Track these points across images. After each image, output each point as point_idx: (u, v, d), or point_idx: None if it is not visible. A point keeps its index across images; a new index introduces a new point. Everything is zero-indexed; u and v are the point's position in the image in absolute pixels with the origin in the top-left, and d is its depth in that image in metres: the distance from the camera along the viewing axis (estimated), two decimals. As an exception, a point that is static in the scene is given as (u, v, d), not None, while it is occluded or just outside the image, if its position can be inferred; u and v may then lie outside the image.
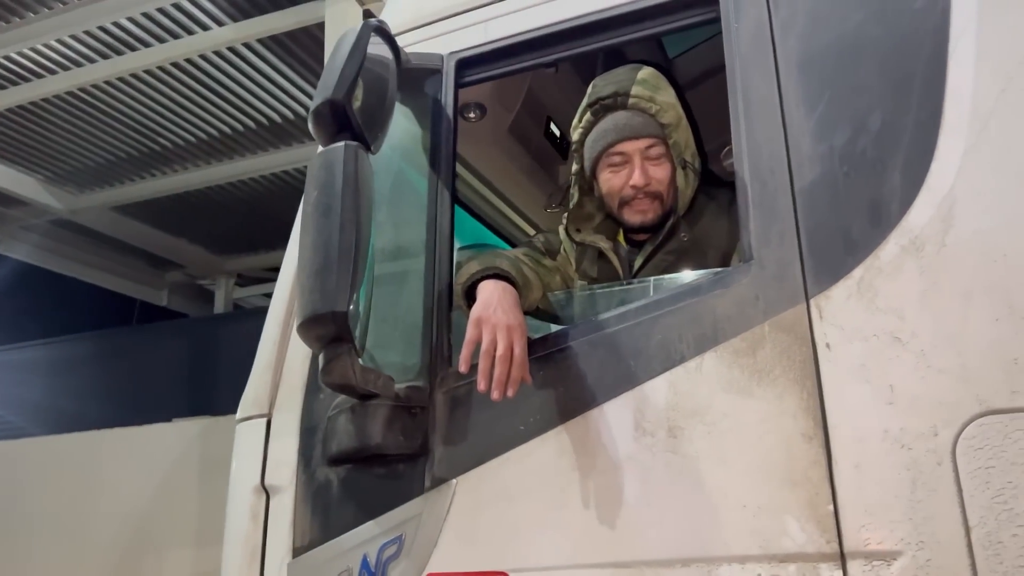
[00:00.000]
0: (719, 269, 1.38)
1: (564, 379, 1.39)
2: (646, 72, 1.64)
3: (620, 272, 1.66)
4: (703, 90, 2.30)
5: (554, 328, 1.56)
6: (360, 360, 1.37)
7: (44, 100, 5.13)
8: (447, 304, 1.52)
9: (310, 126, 1.44)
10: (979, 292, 1.17)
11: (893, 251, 1.23)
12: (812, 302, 1.26)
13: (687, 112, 1.66)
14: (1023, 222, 1.17)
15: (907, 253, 1.22)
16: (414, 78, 1.73)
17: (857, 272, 1.24)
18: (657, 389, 1.32)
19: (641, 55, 2.32)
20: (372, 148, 1.48)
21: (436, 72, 1.72)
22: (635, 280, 1.60)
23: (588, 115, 1.64)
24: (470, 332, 1.33)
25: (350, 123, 1.40)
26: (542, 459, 1.36)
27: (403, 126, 1.73)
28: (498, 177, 2.47)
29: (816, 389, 1.22)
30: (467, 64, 1.71)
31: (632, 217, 1.64)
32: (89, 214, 6.49)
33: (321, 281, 1.28)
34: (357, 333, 1.38)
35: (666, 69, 1.72)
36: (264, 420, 1.64)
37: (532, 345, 1.42)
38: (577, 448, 1.35)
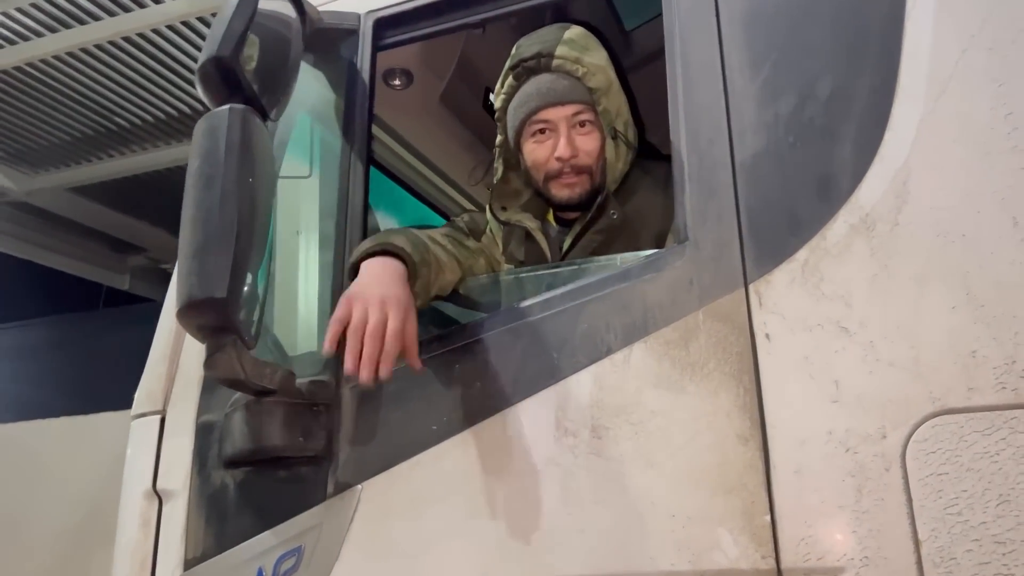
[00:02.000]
0: (652, 251, 1.24)
1: (481, 373, 1.25)
2: (574, 31, 1.49)
3: (548, 254, 1.51)
4: (662, 65, 2.16)
5: (474, 316, 1.41)
6: (253, 350, 1.22)
7: None
8: (356, 289, 1.36)
9: (198, 88, 1.28)
10: (934, 277, 1.04)
11: (841, 230, 1.10)
12: (751, 287, 1.13)
13: (624, 81, 1.51)
14: (983, 198, 1.05)
15: (857, 233, 1.09)
16: (327, 39, 1.56)
17: (801, 254, 1.11)
18: (581, 384, 1.18)
19: (597, 25, 2.18)
20: (271, 114, 1.32)
21: (352, 33, 1.56)
22: (562, 264, 1.46)
23: (510, 79, 1.49)
24: (338, 310, 1.18)
25: (240, 84, 1.24)
26: (455, 462, 1.22)
27: (315, 92, 1.57)
28: (433, 151, 2.31)
29: (754, 385, 1.09)
30: (386, 24, 1.55)
31: (559, 192, 1.49)
32: (45, 195, 6.21)
33: (199, 263, 1.12)
34: (255, 319, 1.22)
35: (601, 34, 1.57)
36: (158, 417, 1.48)
37: (447, 337, 1.28)
38: (493, 450, 1.21)
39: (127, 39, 4.56)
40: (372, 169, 2.30)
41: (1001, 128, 1.07)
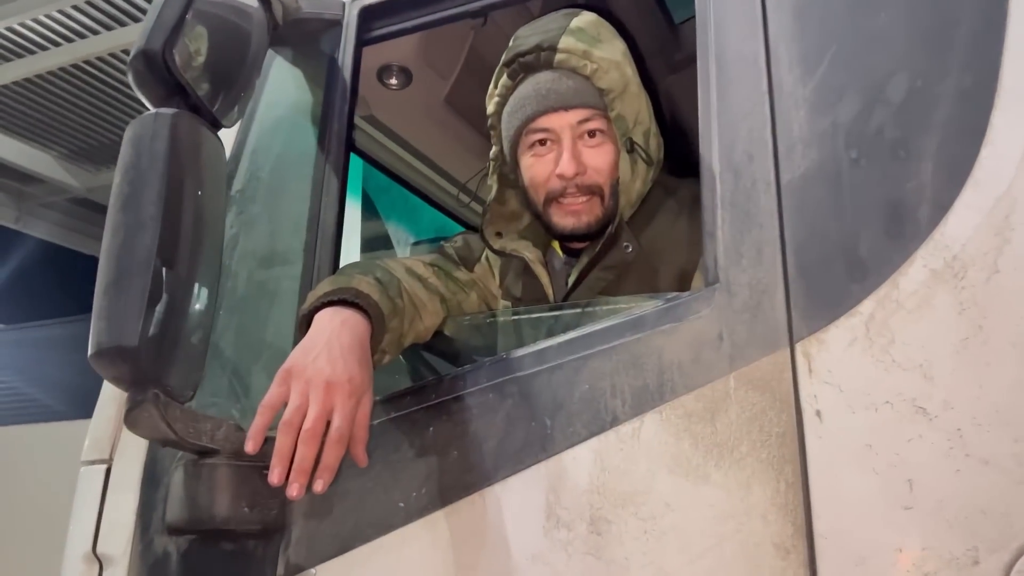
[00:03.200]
0: (673, 294, 0.99)
1: (459, 440, 1.02)
2: (583, 19, 1.22)
3: (550, 292, 1.26)
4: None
5: (454, 366, 1.18)
6: (191, 401, 1.01)
7: (52, 73, 4.89)
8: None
9: (133, 88, 1.08)
10: (1047, 344, 0.77)
11: (920, 277, 0.84)
12: (799, 348, 0.87)
13: (646, 78, 1.25)
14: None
15: (941, 281, 0.83)
16: (308, 32, 1.35)
17: (866, 307, 0.85)
18: (579, 462, 0.94)
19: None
20: (222, 119, 1.12)
21: (335, 24, 1.34)
22: (564, 305, 1.21)
23: (504, 78, 1.24)
24: (271, 389, 0.96)
25: (178, 84, 1.03)
26: (424, 549, 0.99)
27: (292, 92, 1.36)
28: (442, 158, 2.08)
29: (799, 478, 0.83)
30: (375, 14, 1.33)
31: (561, 220, 1.22)
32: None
33: (108, 303, 0.92)
34: (194, 364, 1.02)
35: (620, 24, 1.31)
36: (104, 467, 1.29)
37: (421, 391, 1.05)
38: (468, 538, 0.97)
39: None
40: (383, 177, 2.11)
41: None
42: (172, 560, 1.17)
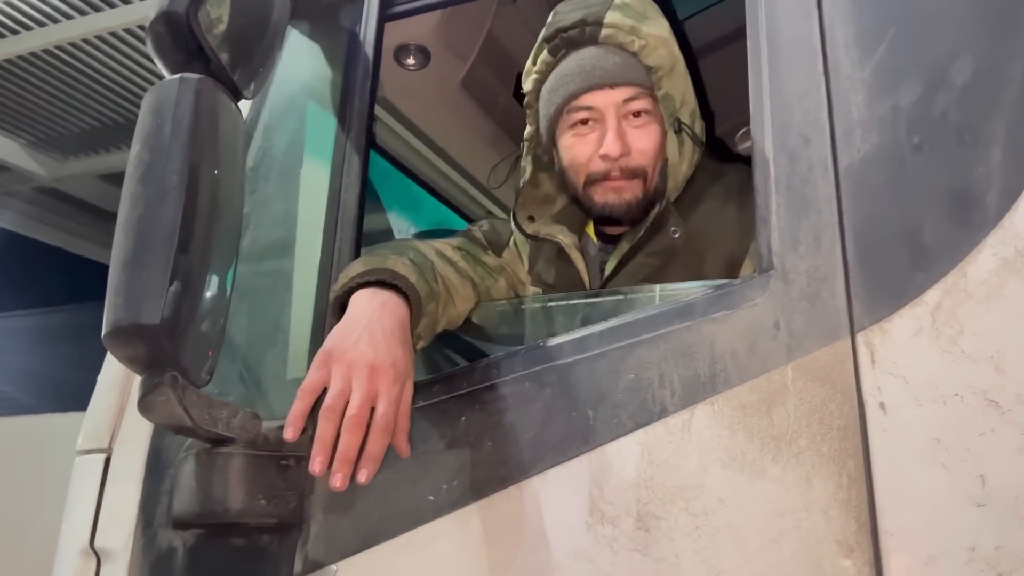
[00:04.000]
0: (723, 281, 0.95)
1: (494, 430, 0.97)
2: None
3: (585, 279, 1.22)
4: (717, 60, 1.86)
5: (487, 354, 1.13)
6: (206, 385, 0.95)
7: (21, 58, 4.73)
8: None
9: (151, 53, 1.02)
10: None
11: (990, 265, 0.81)
12: (860, 337, 0.83)
13: (690, 60, 1.21)
14: None
15: (1012, 270, 0.80)
16: (327, 4, 1.30)
17: (932, 296, 0.82)
18: (624, 455, 0.90)
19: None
20: (244, 91, 1.06)
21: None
22: (603, 291, 1.16)
23: (544, 53, 1.19)
24: (311, 373, 0.91)
25: (201, 49, 0.97)
26: (455, 546, 0.94)
27: (308, 67, 1.30)
28: (452, 144, 2.02)
29: (863, 473, 0.80)
30: (398, -10, 1.28)
31: (604, 197, 1.18)
32: (74, 182, 6.13)
33: (127, 279, 0.86)
34: (211, 347, 0.96)
35: (659, 7, 1.27)
36: (103, 457, 1.22)
37: (452, 379, 1.00)
38: (504, 534, 0.93)
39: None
40: (385, 163, 2.05)
41: None
42: (178, 555, 1.10)
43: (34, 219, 6.62)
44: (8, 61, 4.73)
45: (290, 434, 0.88)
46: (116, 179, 6.18)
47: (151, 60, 3.65)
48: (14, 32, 4.54)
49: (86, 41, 4.56)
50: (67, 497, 1.26)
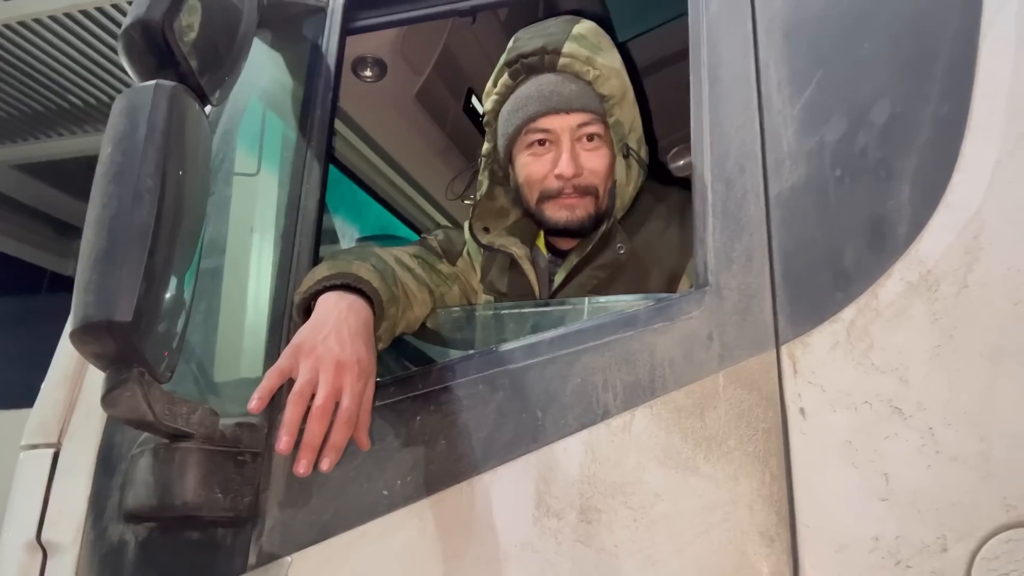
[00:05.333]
0: (664, 295, 1.04)
1: (447, 430, 1.03)
2: (584, 26, 1.27)
3: (536, 288, 1.29)
4: (655, 82, 1.96)
5: (442, 357, 1.19)
6: (165, 384, 0.98)
7: None
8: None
9: (122, 58, 1.05)
10: (1010, 353, 0.85)
11: (897, 288, 0.91)
12: (784, 349, 0.93)
13: (639, 89, 1.30)
14: (1072, 262, 0.86)
15: (916, 293, 0.90)
16: (291, 16, 1.34)
17: (847, 313, 0.91)
18: (570, 453, 0.97)
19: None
20: (211, 97, 1.09)
21: (319, 11, 1.33)
22: (552, 301, 1.24)
23: (505, 77, 1.26)
24: (282, 360, 0.96)
25: (173, 56, 1.01)
26: (409, 538, 1.00)
27: (270, 76, 1.34)
28: (404, 155, 2.07)
29: (783, 471, 0.89)
30: (359, 5, 1.33)
31: (556, 213, 1.26)
32: None
33: (100, 276, 0.89)
34: (172, 345, 0.99)
35: (611, 40, 1.36)
36: (51, 452, 1.22)
37: (408, 381, 1.06)
38: (456, 527, 0.98)
39: (85, 12, 4.26)
40: (333, 170, 2.08)
41: (1095, 178, 0.88)
42: (129, 549, 1.12)
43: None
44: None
45: (255, 405, 0.92)
46: (33, 170, 5.96)
47: (70, 48, 3.56)
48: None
49: (8, 27, 4.41)
50: (11, 492, 1.26)
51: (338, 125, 1.92)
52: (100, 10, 4.20)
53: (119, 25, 4.27)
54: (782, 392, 0.91)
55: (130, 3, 4.12)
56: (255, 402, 0.92)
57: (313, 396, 0.93)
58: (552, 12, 1.53)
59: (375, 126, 1.95)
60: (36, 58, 4.65)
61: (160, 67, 1.01)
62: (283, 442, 0.91)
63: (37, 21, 4.34)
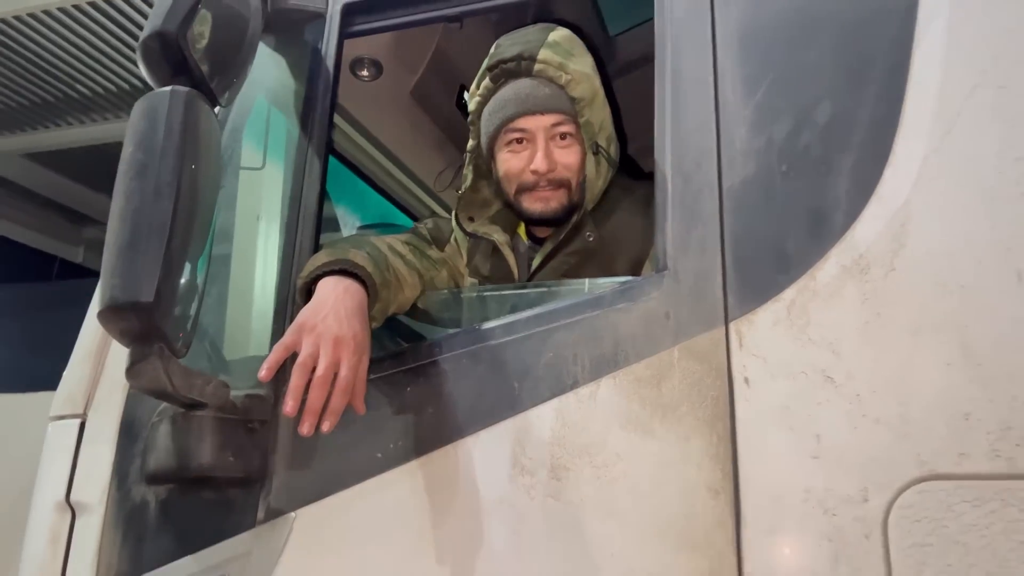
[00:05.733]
0: (627, 278, 1.15)
1: (435, 399, 1.15)
2: (560, 33, 1.38)
3: (515, 272, 1.41)
4: (646, 73, 2.06)
5: (431, 333, 1.31)
6: (184, 358, 1.10)
7: None
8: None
9: (139, 65, 1.16)
10: (930, 329, 0.96)
11: (833, 271, 1.02)
12: (732, 326, 1.04)
13: (609, 91, 1.41)
14: (987, 248, 0.97)
15: (849, 275, 1.01)
16: (291, 21, 1.45)
17: (788, 293, 1.03)
18: (543, 419, 1.09)
19: (578, 30, 2.08)
20: (221, 99, 1.21)
21: (319, 16, 1.44)
22: (529, 284, 1.35)
23: (487, 80, 1.38)
24: (287, 337, 1.07)
25: (187, 64, 1.12)
26: (401, 495, 1.12)
27: (274, 77, 1.45)
28: (400, 148, 2.19)
29: (728, 433, 1.00)
30: (356, 10, 1.43)
31: (532, 205, 1.38)
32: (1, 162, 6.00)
33: (125, 262, 1.00)
34: (188, 324, 1.10)
35: (590, 41, 1.46)
36: (78, 422, 1.35)
37: (401, 356, 1.18)
38: (442, 485, 1.11)
39: (92, 4, 4.37)
40: (335, 163, 2.20)
41: (1010, 173, 0.99)
42: (150, 508, 1.25)
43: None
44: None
45: (264, 374, 1.04)
46: (42, 158, 6.08)
47: (78, 39, 3.66)
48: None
49: (18, 19, 4.51)
50: (42, 459, 1.38)
51: (339, 121, 2.04)
52: (107, 1, 4.31)
53: (125, 16, 4.38)
54: (729, 364, 1.02)
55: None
56: (264, 371, 1.04)
57: (314, 368, 1.04)
58: (541, 14, 1.64)
59: (373, 122, 2.07)
60: (45, 49, 4.76)
61: (175, 74, 1.12)
62: (289, 406, 1.03)
63: (46, 12, 4.45)
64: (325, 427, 1.04)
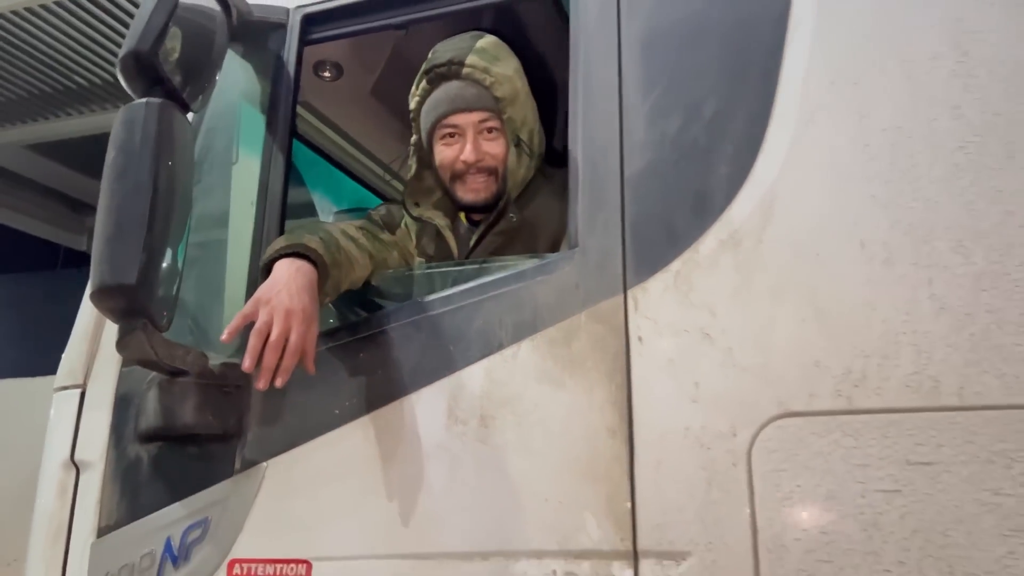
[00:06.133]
0: (546, 255, 1.33)
1: (383, 363, 1.34)
2: (486, 41, 1.56)
3: (455, 252, 1.59)
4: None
5: (382, 307, 1.49)
6: (166, 332, 1.29)
7: None
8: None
9: (120, 78, 1.33)
10: (788, 291, 1.15)
11: (712, 245, 1.20)
12: (629, 293, 1.22)
13: (538, 86, 1.58)
14: (837, 222, 1.15)
15: (725, 248, 1.19)
16: (256, 31, 1.61)
17: (675, 264, 1.21)
18: (473, 376, 1.27)
19: (540, 18, 2.24)
20: (192, 105, 1.38)
21: (281, 27, 1.61)
22: (464, 261, 1.54)
23: (424, 82, 1.56)
24: (246, 308, 1.26)
25: (160, 77, 1.29)
26: (353, 445, 1.31)
27: (243, 81, 1.62)
28: (367, 140, 2.36)
29: (625, 383, 1.19)
30: (314, 20, 1.60)
31: (464, 194, 1.57)
32: (3, 153, 6.13)
33: (111, 250, 1.19)
34: (169, 302, 1.29)
35: (511, 50, 1.63)
36: (78, 391, 1.53)
37: (354, 327, 1.37)
38: (389, 435, 1.29)
39: (91, -2, 4.51)
40: (312, 154, 2.37)
41: (859, 158, 1.17)
42: (144, 463, 1.44)
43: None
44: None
45: (224, 337, 1.22)
46: (45, 149, 6.23)
47: (79, 32, 3.82)
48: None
49: (15, 13, 4.64)
50: (48, 425, 1.58)
51: (310, 116, 2.21)
52: (91, -2, 4.46)
53: (121, 9, 4.53)
54: (627, 325, 1.21)
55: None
56: (225, 335, 1.23)
57: (269, 335, 1.23)
58: (505, 20, 1.81)
59: (339, 117, 2.24)
60: (43, 42, 4.90)
61: (150, 86, 1.30)
62: (246, 363, 1.22)
63: (43, 7, 4.59)
64: (278, 383, 1.22)
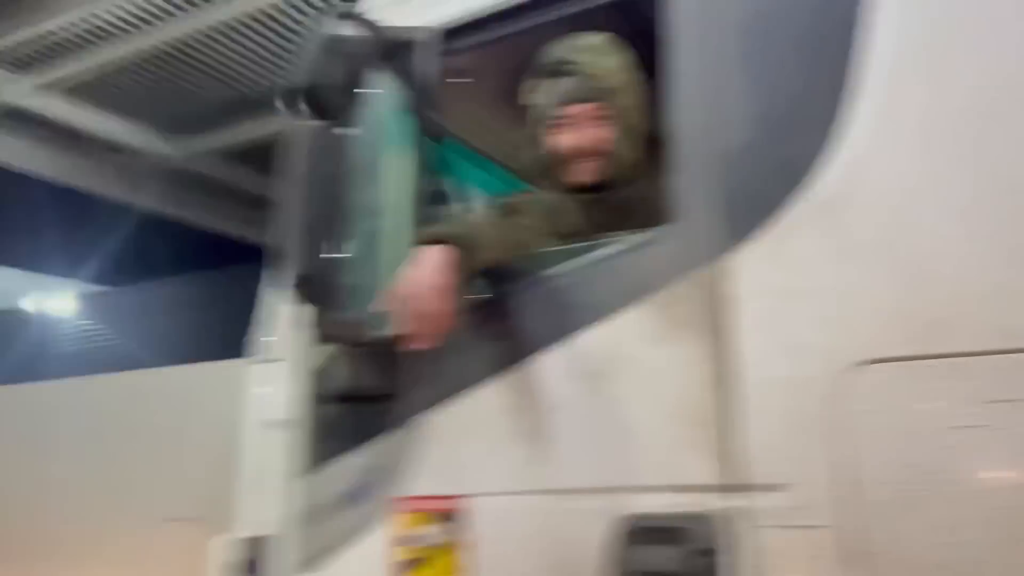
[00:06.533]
0: (650, 229, 1.50)
1: (516, 330, 1.56)
2: (595, 39, 1.76)
3: (571, 230, 1.78)
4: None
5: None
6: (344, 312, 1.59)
7: (149, 54, 5.41)
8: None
9: (283, 108, 1.64)
10: (875, 251, 1.25)
11: (803, 211, 1.32)
12: (727, 259, 1.36)
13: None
14: (925, 184, 1.24)
15: (815, 213, 1.31)
16: (398, 48, 1.87)
17: (768, 231, 1.34)
18: (592, 338, 1.47)
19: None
20: (346, 124, 1.66)
21: (423, 43, 1.85)
22: (579, 239, 1.72)
23: (540, 79, 1.77)
24: (396, 288, 1.49)
25: (319, 106, 1.59)
26: (492, 401, 1.54)
27: (387, 97, 1.89)
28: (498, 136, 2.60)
29: (725, 339, 1.34)
30: (453, 34, 1.84)
31: (577, 176, 1.76)
32: (202, 160, 6.85)
33: (306, 250, 1.51)
34: (349, 288, 1.59)
35: (620, 45, 1.79)
36: (279, 364, 1.87)
37: (493, 300, 1.60)
38: (522, 390, 1.52)
39: (255, 18, 5.05)
40: (464, 150, 2.64)
41: (946, 120, 1.25)
42: (329, 421, 1.75)
43: (171, 198, 7.40)
44: (141, 57, 5.48)
45: (374, 307, 1.50)
46: (229, 155, 6.93)
47: (261, 49, 4.28)
48: (128, 32, 5.21)
49: (210, 34, 5.23)
50: (250, 393, 1.93)
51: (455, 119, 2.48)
52: (270, 16, 4.98)
53: (284, 27, 5.05)
54: (725, 288, 1.35)
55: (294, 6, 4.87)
56: (381, 309, 1.50)
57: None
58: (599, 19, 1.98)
59: (476, 117, 2.49)
60: (226, 58, 5.51)
61: (312, 112, 1.60)
62: (397, 334, 1.47)
63: (228, 26, 5.16)
64: (425, 347, 1.47)
